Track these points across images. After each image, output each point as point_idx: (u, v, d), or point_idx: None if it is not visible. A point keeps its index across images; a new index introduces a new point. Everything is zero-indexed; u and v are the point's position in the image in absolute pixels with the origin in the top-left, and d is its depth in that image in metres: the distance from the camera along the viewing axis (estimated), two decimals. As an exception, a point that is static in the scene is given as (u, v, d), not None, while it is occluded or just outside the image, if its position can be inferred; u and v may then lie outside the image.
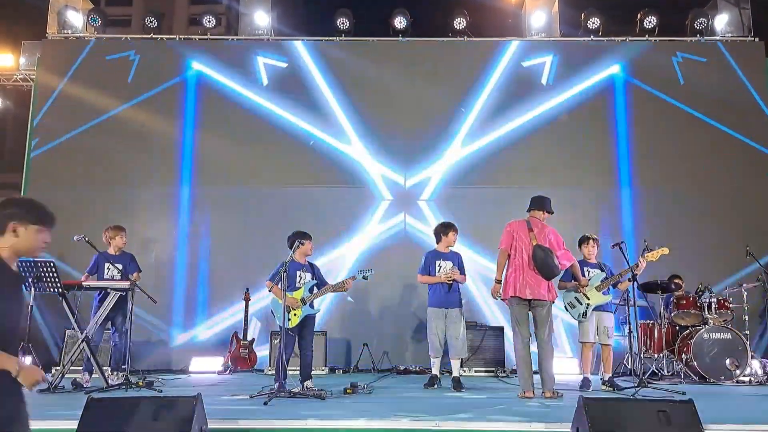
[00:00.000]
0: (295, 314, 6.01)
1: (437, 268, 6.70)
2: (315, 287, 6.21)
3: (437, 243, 6.88)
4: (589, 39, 10.36)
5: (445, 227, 6.84)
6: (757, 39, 10.36)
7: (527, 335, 5.69)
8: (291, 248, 6.05)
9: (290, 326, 5.94)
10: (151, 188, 9.89)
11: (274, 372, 8.08)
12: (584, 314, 6.47)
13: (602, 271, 6.63)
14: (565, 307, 6.59)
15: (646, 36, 10.37)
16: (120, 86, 10.10)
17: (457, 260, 6.75)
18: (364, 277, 6.30)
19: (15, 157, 10.83)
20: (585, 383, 6.37)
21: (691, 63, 10.15)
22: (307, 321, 6.14)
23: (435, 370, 6.72)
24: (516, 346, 5.69)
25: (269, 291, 6.14)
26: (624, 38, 10.39)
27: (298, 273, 6.16)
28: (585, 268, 6.63)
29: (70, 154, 9.89)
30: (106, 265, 6.76)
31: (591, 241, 6.75)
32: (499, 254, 5.84)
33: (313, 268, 6.34)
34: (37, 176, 9.85)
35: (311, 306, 6.15)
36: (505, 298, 5.78)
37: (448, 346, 6.62)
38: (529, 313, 5.73)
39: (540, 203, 6.02)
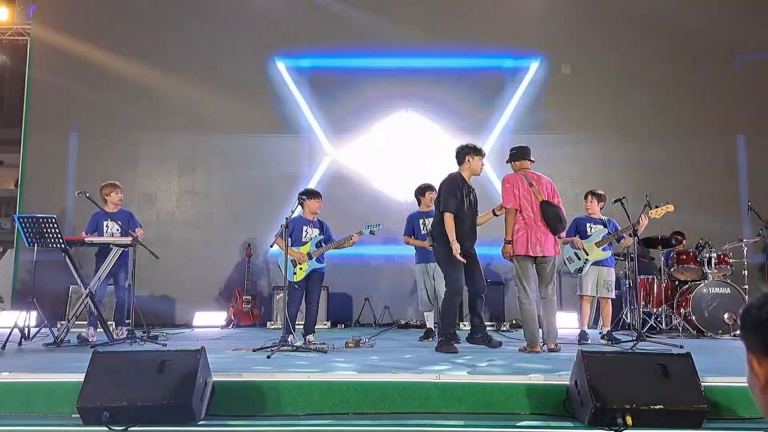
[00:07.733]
0: (300, 268, 6.07)
1: (421, 227, 6.91)
2: (322, 243, 6.22)
3: (418, 205, 7.08)
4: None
5: (422, 189, 7.02)
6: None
7: (533, 291, 5.60)
8: (300, 206, 6.17)
9: (295, 280, 6.00)
10: (152, 140, 9.82)
11: (276, 327, 8.21)
12: (581, 269, 6.51)
13: (605, 227, 6.62)
14: (564, 261, 6.61)
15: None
16: (117, 37, 9.91)
17: None
18: (371, 232, 6.32)
19: (14, 112, 10.68)
20: (582, 336, 6.43)
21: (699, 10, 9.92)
22: (314, 276, 6.17)
23: (429, 324, 7.03)
24: (522, 302, 5.54)
25: (277, 245, 6.19)
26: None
27: (304, 228, 6.21)
28: (588, 224, 6.64)
29: (69, 109, 9.78)
30: (105, 222, 6.75)
31: (593, 196, 6.73)
32: (507, 213, 5.57)
33: (322, 225, 6.35)
34: (36, 131, 9.73)
35: (318, 261, 6.18)
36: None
37: (438, 299, 6.78)
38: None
39: (526, 153, 5.79)
